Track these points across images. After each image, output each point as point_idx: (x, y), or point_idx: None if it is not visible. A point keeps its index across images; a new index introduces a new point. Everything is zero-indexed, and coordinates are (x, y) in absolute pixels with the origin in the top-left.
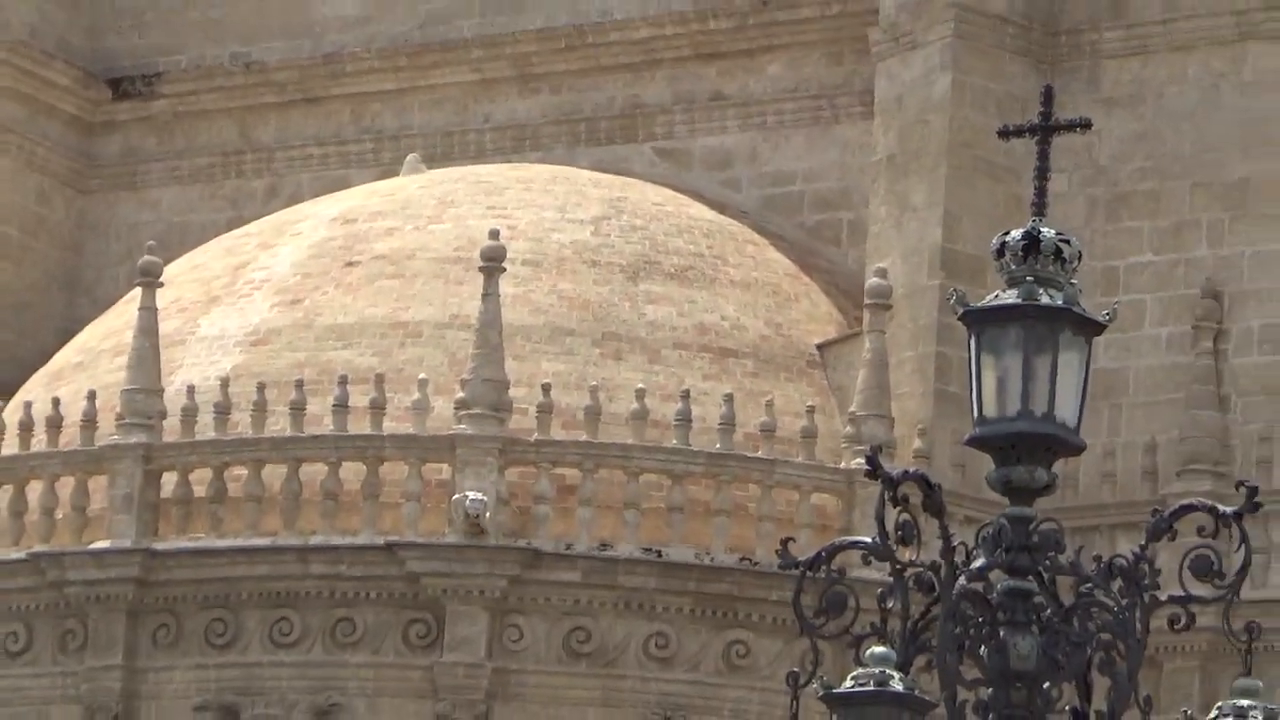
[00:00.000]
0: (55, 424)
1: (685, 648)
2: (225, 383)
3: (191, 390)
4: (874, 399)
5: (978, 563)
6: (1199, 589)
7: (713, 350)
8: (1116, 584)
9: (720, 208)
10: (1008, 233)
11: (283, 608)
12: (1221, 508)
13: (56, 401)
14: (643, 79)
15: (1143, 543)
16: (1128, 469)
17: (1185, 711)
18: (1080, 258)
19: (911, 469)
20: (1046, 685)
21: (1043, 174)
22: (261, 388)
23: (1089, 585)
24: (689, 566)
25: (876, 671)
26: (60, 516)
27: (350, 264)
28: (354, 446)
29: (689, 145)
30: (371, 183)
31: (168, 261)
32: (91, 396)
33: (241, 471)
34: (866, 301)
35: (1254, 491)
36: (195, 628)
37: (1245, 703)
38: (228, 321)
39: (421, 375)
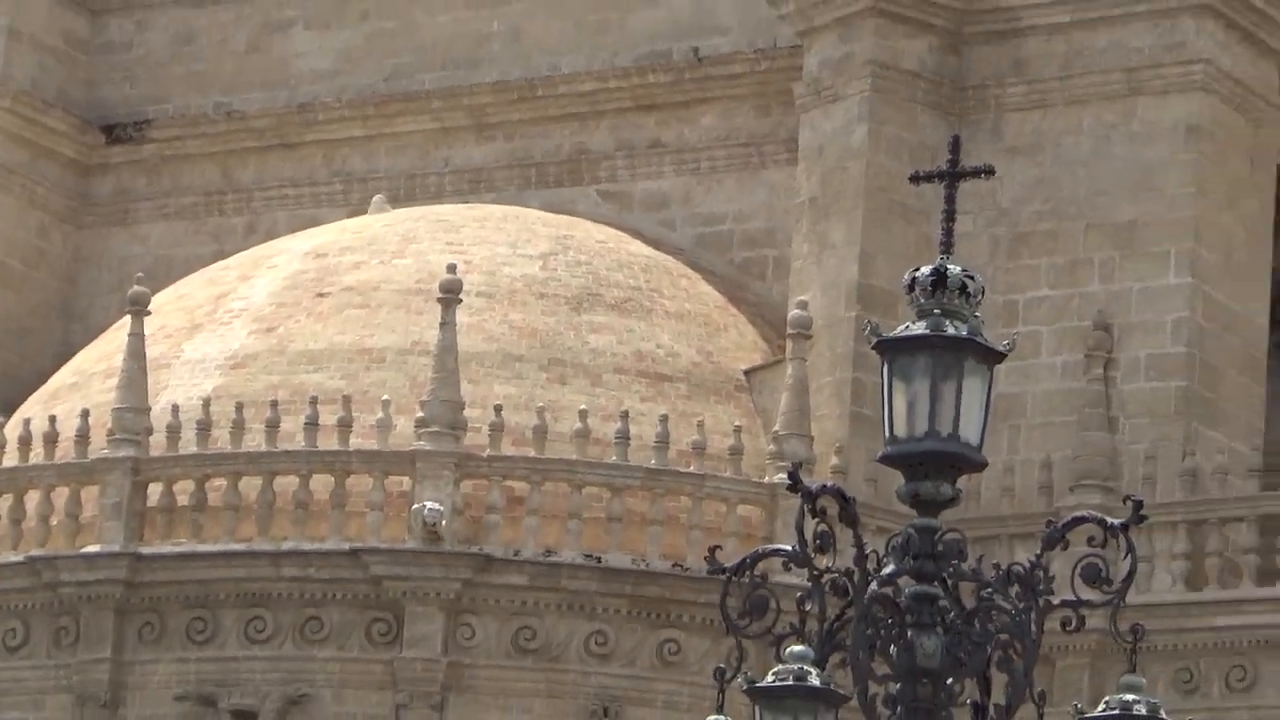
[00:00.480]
0: (52, 439)
1: (622, 645)
2: (206, 402)
3: (176, 409)
4: (795, 420)
5: (888, 569)
6: (1089, 594)
7: (649, 375)
8: (1014, 589)
9: (657, 245)
10: (918, 269)
11: (257, 607)
12: (1110, 520)
13: (53, 419)
14: (588, 128)
15: (1038, 551)
16: (1025, 484)
17: (1076, 705)
18: (983, 292)
19: (829, 484)
20: (950, 681)
21: (950, 216)
22: (239, 407)
23: (989, 590)
24: (626, 571)
25: (795, 668)
26: (55, 523)
27: (321, 295)
28: (323, 461)
29: (629, 188)
30: (341, 220)
31: (155, 291)
32: (85, 414)
33: (221, 483)
34: (789, 331)
35: (1139, 505)
36: (177, 625)
37: (1130, 697)
38: (209, 347)
39: (385, 396)
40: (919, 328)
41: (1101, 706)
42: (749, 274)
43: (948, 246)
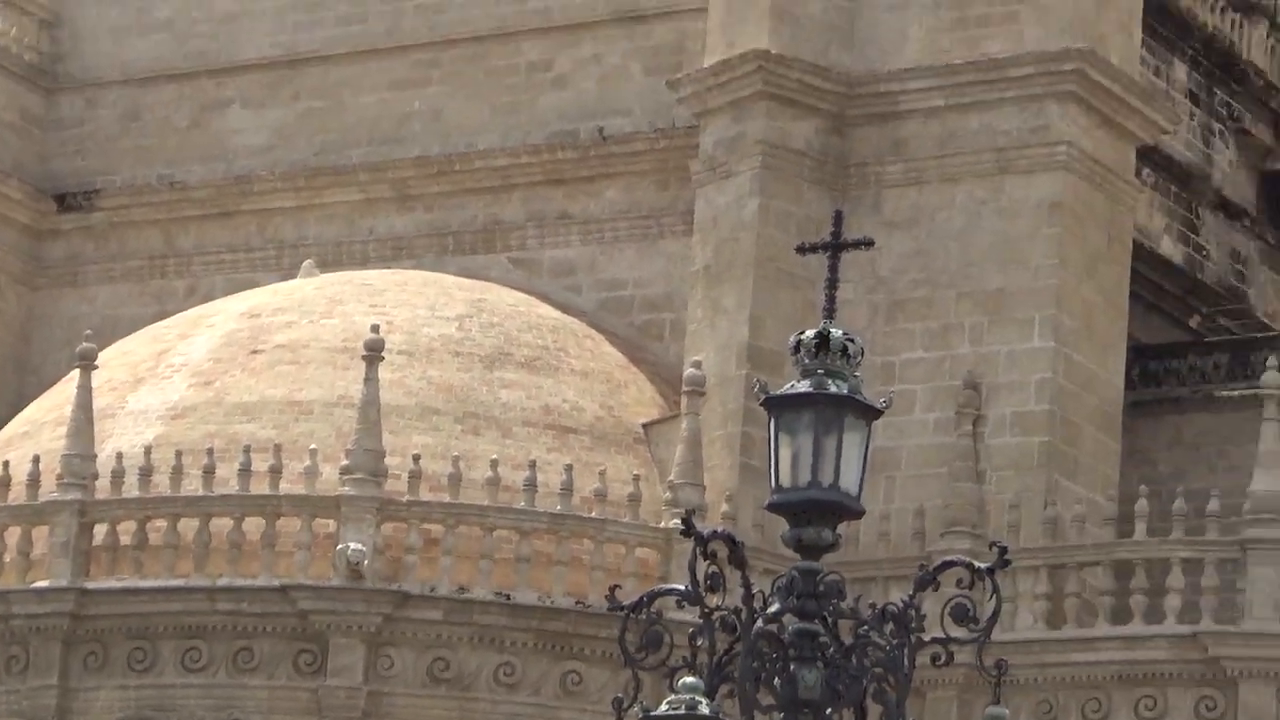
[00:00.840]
0: (4, 483)
1: (529, 676)
2: (148, 450)
3: (120, 456)
4: (689, 470)
5: (773, 608)
6: (957, 631)
7: (555, 428)
8: (889, 627)
9: (564, 308)
10: (803, 333)
11: (193, 638)
12: (977, 564)
13: (6, 464)
14: (501, 200)
15: (911, 592)
16: (900, 530)
17: None
18: (862, 354)
19: (719, 529)
20: (829, 711)
21: (833, 284)
22: (179, 454)
23: (865, 628)
24: (533, 608)
25: (687, 698)
26: (8, 560)
27: (255, 352)
28: (255, 504)
29: (539, 256)
30: (274, 284)
31: (103, 348)
32: (36, 460)
33: (161, 524)
34: (684, 389)
35: (1004, 551)
36: (119, 654)
37: None
38: (151, 399)
39: (313, 445)
40: (803, 386)
41: None
42: (648, 335)
43: (830, 312)
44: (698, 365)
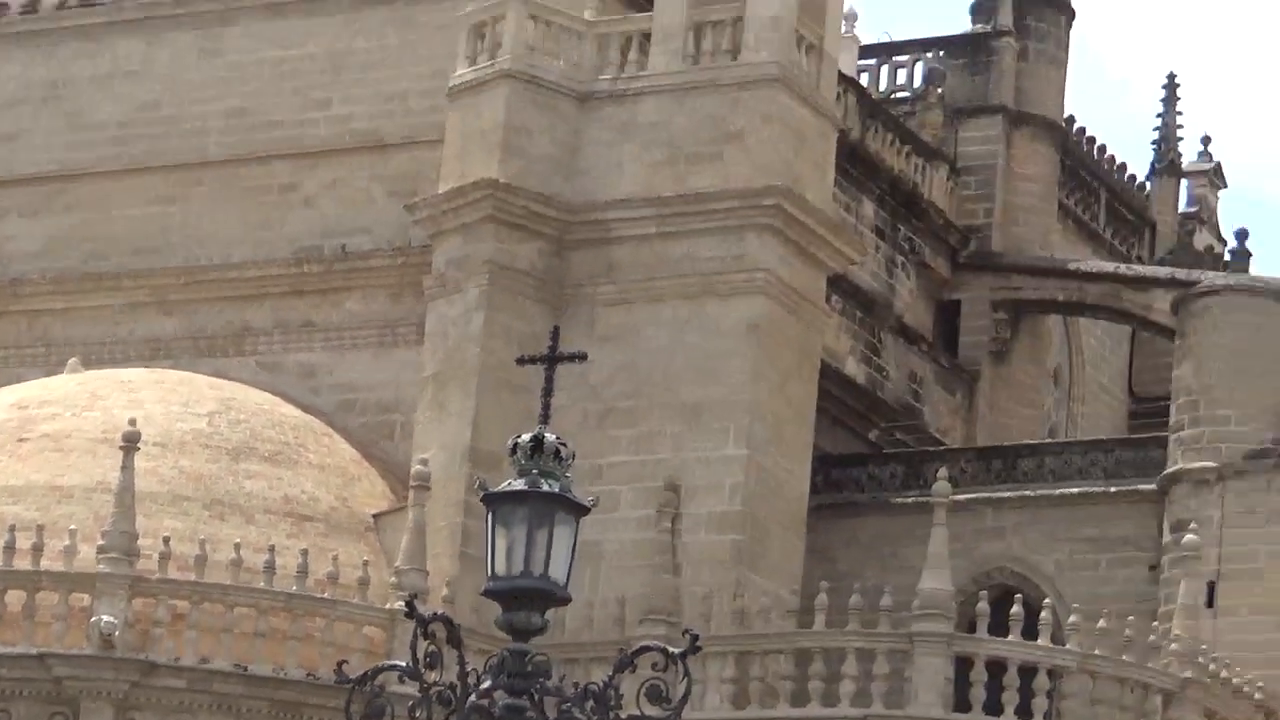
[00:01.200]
0: None
1: None
2: None
3: None
4: (414, 557)
5: (486, 684)
6: (652, 710)
7: (294, 516)
8: (590, 704)
9: (305, 408)
10: (520, 436)
11: None
12: (671, 649)
13: None
14: (251, 308)
15: (611, 673)
16: (603, 616)
17: None
18: (573, 457)
19: (439, 612)
20: None
21: (548, 392)
22: None
23: (569, 704)
24: (268, 679)
25: None
26: None
27: (22, 440)
28: (17, 578)
29: (284, 359)
30: (41, 379)
31: None
32: None
33: None
34: (411, 483)
35: (696, 638)
36: None
37: None
38: None
39: (72, 526)
40: (519, 484)
41: None
42: (380, 434)
43: (545, 418)
44: (424, 462)
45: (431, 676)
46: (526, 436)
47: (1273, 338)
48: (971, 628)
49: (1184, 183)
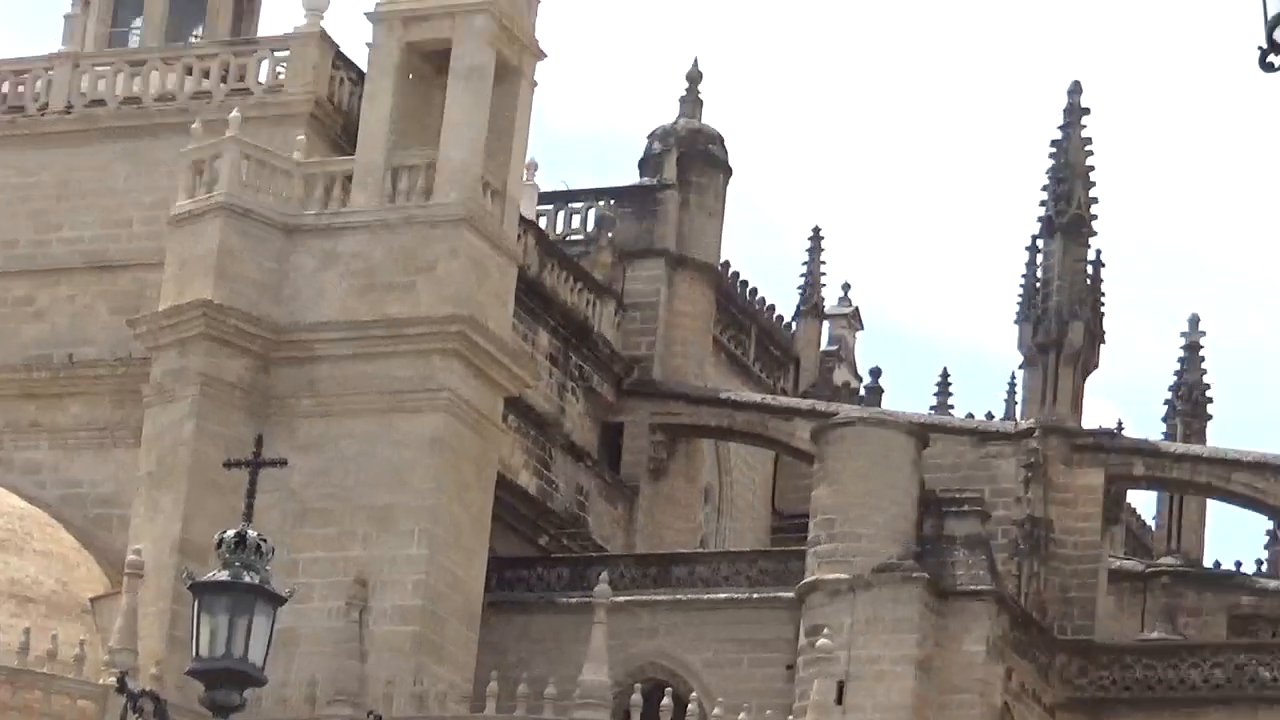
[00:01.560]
0: None
1: None
2: None
3: None
4: (127, 638)
5: None
6: None
7: (18, 597)
8: None
9: (31, 500)
10: (225, 532)
11: None
12: None
13: None
14: None
15: None
16: (296, 696)
17: None
18: (274, 552)
19: (148, 689)
20: None
21: (252, 493)
22: None
23: None
24: None
25: None
26: None
27: None
28: None
29: (12, 456)
30: None
31: None
32: None
33: None
34: (126, 571)
35: (378, 718)
36: None
37: None
38: None
39: None
40: (223, 575)
41: None
42: (100, 526)
43: (249, 516)
44: (138, 552)
45: None
46: (231, 532)
47: (900, 465)
48: (626, 717)
49: (826, 324)
